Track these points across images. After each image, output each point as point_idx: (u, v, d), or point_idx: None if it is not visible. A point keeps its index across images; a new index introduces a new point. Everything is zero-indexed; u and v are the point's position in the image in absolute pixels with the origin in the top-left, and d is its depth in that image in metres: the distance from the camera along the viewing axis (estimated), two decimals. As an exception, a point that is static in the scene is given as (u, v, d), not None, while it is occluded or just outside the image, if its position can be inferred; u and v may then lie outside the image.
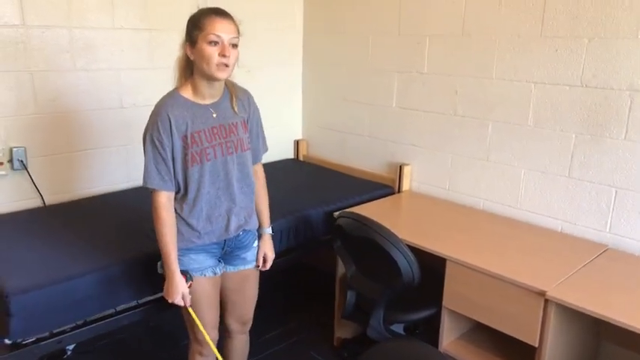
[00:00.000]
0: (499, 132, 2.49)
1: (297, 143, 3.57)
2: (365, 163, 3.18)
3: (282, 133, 3.53)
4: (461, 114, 2.63)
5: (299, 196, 2.74)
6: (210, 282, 1.81)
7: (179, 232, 1.72)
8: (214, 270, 1.81)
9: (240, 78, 3.14)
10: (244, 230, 1.86)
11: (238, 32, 1.66)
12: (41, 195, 2.51)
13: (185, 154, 1.68)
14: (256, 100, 3.46)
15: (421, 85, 2.79)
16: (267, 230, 1.99)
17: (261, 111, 3.27)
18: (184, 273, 1.73)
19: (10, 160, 2.40)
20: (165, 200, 1.68)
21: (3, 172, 2.38)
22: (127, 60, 2.69)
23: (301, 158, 3.56)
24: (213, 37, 1.59)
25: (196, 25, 1.62)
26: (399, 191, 2.93)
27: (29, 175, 2.46)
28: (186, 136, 1.66)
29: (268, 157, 3.40)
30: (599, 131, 2.15)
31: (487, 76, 2.49)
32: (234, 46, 1.65)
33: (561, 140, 2.27)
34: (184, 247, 1.74)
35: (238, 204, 1.81)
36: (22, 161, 2.42)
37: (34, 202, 2.50)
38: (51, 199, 2.55)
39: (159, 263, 1.81)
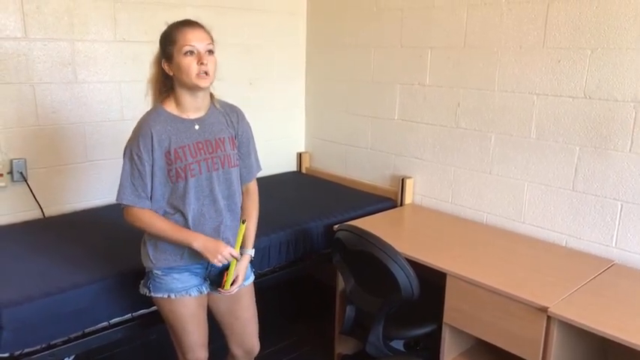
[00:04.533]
0: (502, 144, 2.45)
1: (299, 156, 3.55)
2: (367, 176, 3.16)
3: (285, 145, 3.52)
4: (463, 126, 2.60)
5: (300, 208, 2.72)
6: (196, 301, 1.76)
7: (161, 250, 1.70)
8: (200, 289, 1.76)
9: (242, 90, 3.19)
10: None
11: (212, 39, 1.65)
12: (41, 207, 2.50)
13: (169, 171, 1.65)
14: (259, 112, 3.46)
15: (423, 98, 2.76)
16: (249, 251, 1.84)
17: (263, 123, 3.31)
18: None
19: (10, 172, 2.41)
20: (139, 210, 1.65)
21: (3, 184, 2.38)
22: (129, 72, 2.70)
23: (304, 171, 3.55)
24: (187, 48, 1.58)
25: (169, 39, 1.61)
26: (401, 204, 2.89)
27: (29, 187, 2.46)
28: (169, 152, 1.63)
29: (271, 170, 3.41)
30: (604, 144, 2.11)
31: (489, 88, 2.46)
32: (211, 52, 1.63)
33: (565, 153, 2.23)
34: (166, 267, 1.70)
35: (224, 222, 1.75)
36: (22, 173, 2.42)
37: (33, 214, 2.50)
38: (50, 210, 2.54)
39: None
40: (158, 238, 1.68)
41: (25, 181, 2.44)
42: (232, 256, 1.69)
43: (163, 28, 1.68)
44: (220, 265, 1.69)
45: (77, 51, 2.52)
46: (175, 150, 1.64)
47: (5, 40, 2.31)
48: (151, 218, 1.65)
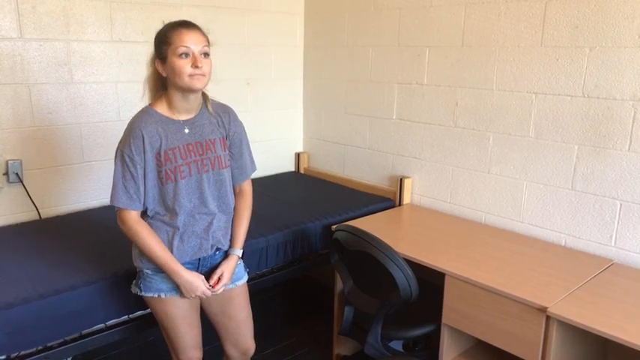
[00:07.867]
0: (500, 144, 2.44)
1: (297, 156, 3.54)
2: (365, 176, 3.15)
3: (283, 145, 3.51)
4: (462, 126, 2.59)
5: (298, 209, 2.70)
6: (188, 302, 1.75)
7: None
8: None
9: (239, 90, 3.18)
10: (218, 249, 1.78)
11: (208, 41, 1.63)
12: (37, 208, 2.49)
13: (159, 172, 1.63)
14: (257, 112, 3.44)
15: (421, 97, 2.75)
16: (237, 251, 1.80)
17: (261, 124, 3.31)
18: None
19: (6, 173, 2.39)
20: (134, 216, 1.64)
21: (-2, 185, 2.38)
22: (125, 73, 2.69)
23: (302, 171, 3.54)
24: (182, 50, 1.56)
25: (164, 40, 1.59)
26: (399, 204, 2.88)
27: (25, 188, 2.45)
28: (159, 153, 1.62)
29: (269, 170, 3.41)
30: (602, 142, 2.10)
31: (487, 87, 2.45)
32: (206, 55, 1.61)
33: (563, 152, 2.22)
34: (155, 266, 1.68)
35: (215, 223, 1.74)
36: (17, 174, 2.41)
37: (29, 215, 2.49)
38: (47, 212, 2.53)
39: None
40: (143, 253, 1.67)
41: (21, 182, 2.43)
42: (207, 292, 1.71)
43: (160, 27, 1.66)
44: (200, 295, 1.71)
45: (73, 51, 2.51)
46: (166, 152, 1.62)
47: (0, 41, 2.30)
48: (141, 228, 1.63)
